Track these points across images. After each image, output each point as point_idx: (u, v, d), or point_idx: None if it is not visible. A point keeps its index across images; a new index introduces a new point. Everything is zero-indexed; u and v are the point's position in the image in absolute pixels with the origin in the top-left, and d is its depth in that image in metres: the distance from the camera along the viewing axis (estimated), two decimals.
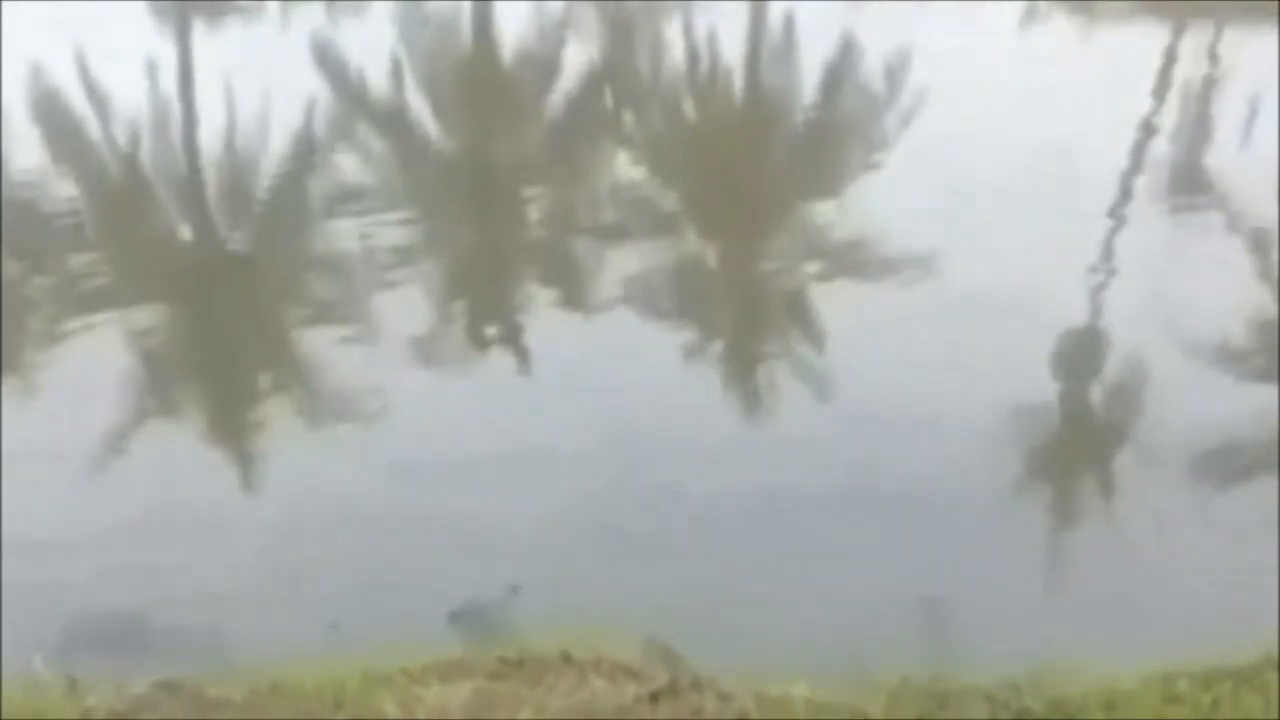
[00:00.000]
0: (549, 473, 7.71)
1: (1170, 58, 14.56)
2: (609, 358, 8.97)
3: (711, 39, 14.82)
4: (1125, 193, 11.56)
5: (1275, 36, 14.67)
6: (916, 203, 10.70)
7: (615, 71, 14.55)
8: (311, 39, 14.46)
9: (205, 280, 10.22)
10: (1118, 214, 11.14)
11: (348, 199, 11.24)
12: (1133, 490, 7.86)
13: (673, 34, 15.51)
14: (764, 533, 7.30)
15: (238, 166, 11.73)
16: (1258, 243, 10.64)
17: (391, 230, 10.70)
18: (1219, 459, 8.00)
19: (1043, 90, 12.78)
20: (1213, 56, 14.68)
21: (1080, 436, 8.61)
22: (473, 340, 9.53)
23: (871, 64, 13.74)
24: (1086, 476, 8.27)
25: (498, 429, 8.18)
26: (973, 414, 8.24)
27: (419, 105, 13.29)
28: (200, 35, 14.86)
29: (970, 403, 8.35)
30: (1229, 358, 9.07)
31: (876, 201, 11.07)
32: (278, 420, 8.45)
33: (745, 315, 10.11)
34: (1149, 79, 13.91)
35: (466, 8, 15.91)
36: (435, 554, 7.08)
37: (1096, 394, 8.96)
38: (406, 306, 9.59)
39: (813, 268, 10.50)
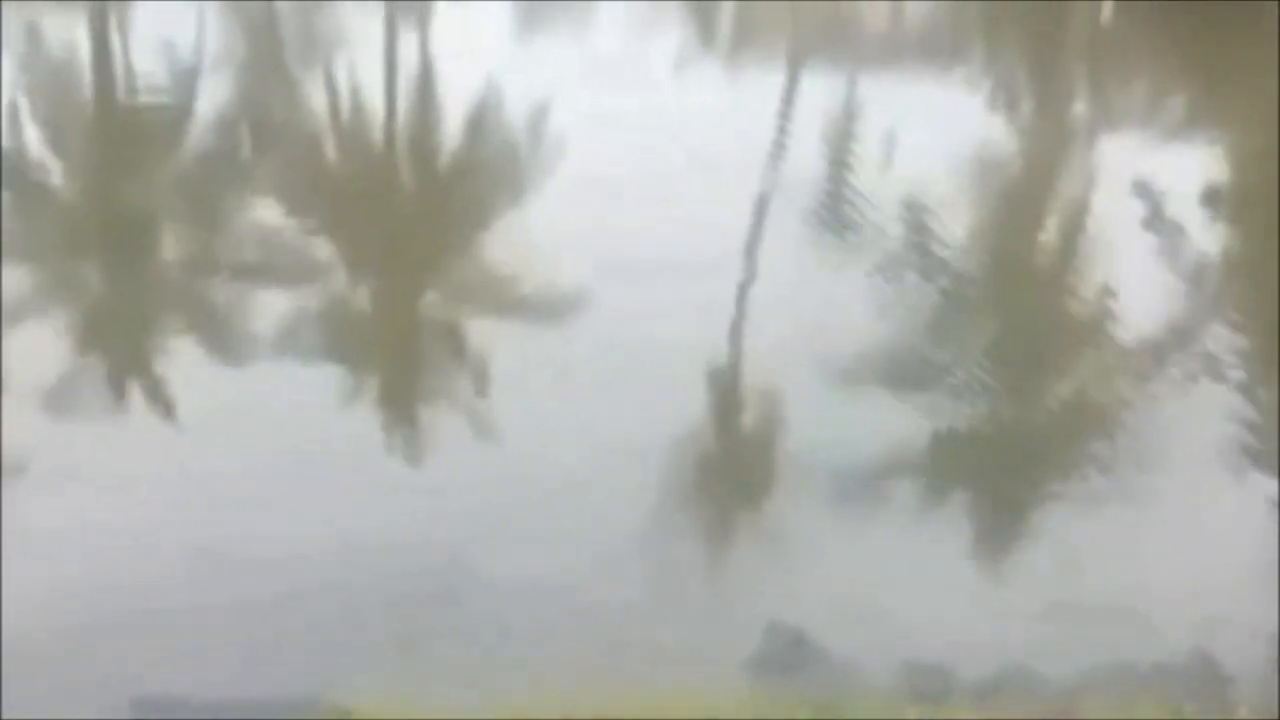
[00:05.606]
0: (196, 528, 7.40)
1: (795, 97, 15.26)
2: (258, 404, 8.68)
3: (353, 83, 14.70)
4: (762, 218, 11.99)
5: (904, 80, 15.72)
6: (565, 243, 10.83)
7: (251, 116, 14.16)
8: None
9: None
10: (757, 240, 11.54)
11: None
12: (782, 512, 8.18)
13: (311, 79, 15.29)
14: (421, 580, 7.20)
15: None
16: (890, 267, 11.22)
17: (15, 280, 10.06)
18: (859, 478, 8.39)
19: (689, 131, 13.18)
20: (851, 98, 15.43)
21: (732, 466, 8.91)
22: (113, 392, 9.06)
23: (514, 110, 13.86)
24: (741, 503, 8.56)
25: (142, 484, 7.78)
26: (629, 449, 8.37)
27: (40, 150, 12.58)
28: None
29: (625, 439, 8.47)
30: (866, 380, 9.53)
31: (528, 241, 11.13)
32: None
33: (401, 356, 10.00)
34: (789, 118, 14.53)
35: (85, 50, 15.19)
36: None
37: (746, 422, 9.32)
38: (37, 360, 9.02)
39: (468, 307, 10.50)
